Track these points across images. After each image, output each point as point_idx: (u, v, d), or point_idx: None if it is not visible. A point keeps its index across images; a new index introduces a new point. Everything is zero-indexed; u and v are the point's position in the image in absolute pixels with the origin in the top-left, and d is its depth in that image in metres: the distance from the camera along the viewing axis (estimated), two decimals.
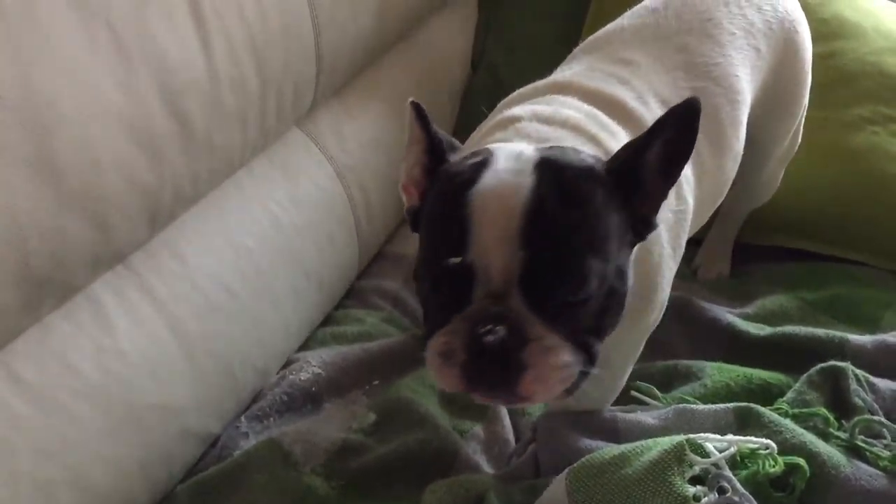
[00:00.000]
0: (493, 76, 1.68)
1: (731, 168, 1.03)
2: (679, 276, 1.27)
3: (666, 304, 0.93)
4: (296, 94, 1.13)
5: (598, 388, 0.95)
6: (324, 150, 1.27)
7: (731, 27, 0.99)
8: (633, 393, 1.03)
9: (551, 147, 0.76)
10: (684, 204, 0.89)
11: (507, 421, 1.07)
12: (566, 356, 0.70)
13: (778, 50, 1.06)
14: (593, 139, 0.82)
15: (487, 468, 0.99)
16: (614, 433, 0.95)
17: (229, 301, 1.03)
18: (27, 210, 0.75)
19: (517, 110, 0.87)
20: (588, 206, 0.70)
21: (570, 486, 0.85)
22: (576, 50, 1.03)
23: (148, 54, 0.85)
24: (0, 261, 0.73)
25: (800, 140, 1.23)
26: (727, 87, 0.96)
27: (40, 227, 0.77)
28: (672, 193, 0.81)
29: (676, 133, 0.72)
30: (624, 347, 0.93)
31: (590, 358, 0.73)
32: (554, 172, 0.71)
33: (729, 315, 1.16)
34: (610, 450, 0.86)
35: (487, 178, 0.71)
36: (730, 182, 1.06)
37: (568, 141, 0.80)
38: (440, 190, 0.76)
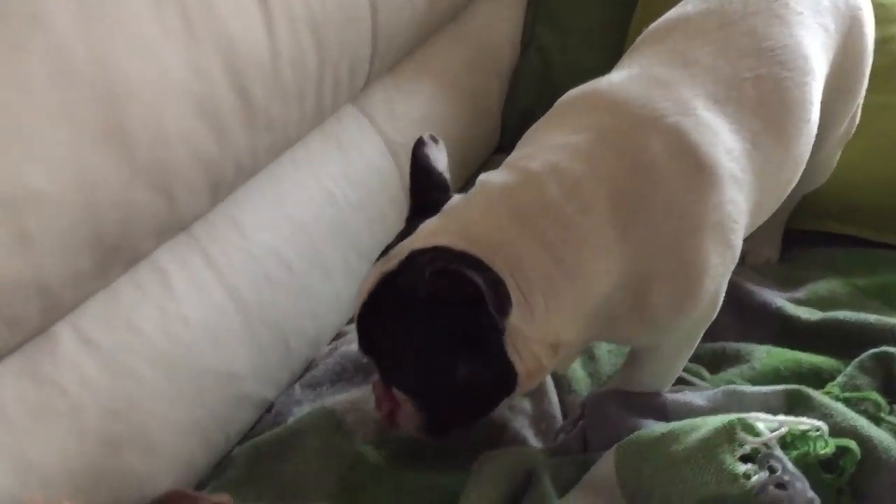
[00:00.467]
0: (543, 58, 1.68)
1: (803, 153, 1.01)
2: None
3: (720, 300, 0.92)
4: (351, 71, 1.15)
5: (650, 377, 0.98)
6: (377, 126, 1.29)
7: (797, 6, 0.98)
8: (681, 374, 1.04)
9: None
10: (731, 207, 0.86)
11: (554, 398, 1.08)
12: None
13: (844, 28, 1.04)
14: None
15: (535, 443, 1.01)
16: (662, 413, 0.96)
17: (284, 273, 1.06)
18: (100, 181, 0.78)
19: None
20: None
21: (619, 461, 0.86)
22: (638, 40, 1.02)
23: (214, 33, 0.88)
24: (76, 229, 0.77)
25: (857, 123, 1.22)
26: (794, 70, 0.94)
27: (112, 197, 0.80)
28: (715, 193, 0.83)
29: None
30: (674, 339, 0.94)
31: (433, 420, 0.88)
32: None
33: (779, 299, 1.16)
34: (659, 427, 0.87)
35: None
36: (802, 166, 1.04)
37: None
38: None
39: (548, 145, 0.87)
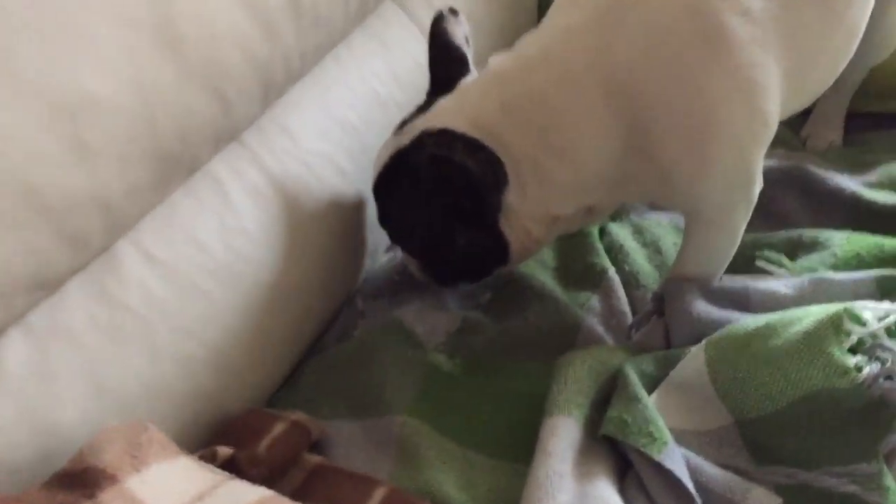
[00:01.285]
0: None
1: (857, 20, 0.95)
2: (788, 146, 1.23)
3: (756, 174, 0.89)
4: None
5: (700, 256, 0.95)
6: (417, 22, 1.21)
7: None
8: (760, 263, 1.00)
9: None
10: (754, 70, 0.82)
11: (622, 293, 1.04)
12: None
13: None
14: None
15: (608, 340, 0.98)
16: (745, 303, 0.93)
17: (339, 178, 1.01)
18: (153, 83, 0.72)
19: None
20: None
21: (710, 357, 0.83)
22: None
23: None
24: (134, 137, 0.71)
25: None
26: None
27: (166, 101, 0.74)
28: (727, 56, 0.81)
29: None
30: (713, 211, 0.92)
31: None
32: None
33: (852, 183, 1.11)
34: (752, 320, 0.83)
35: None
36: (857, 35, 0.98)
37: None
38: None
39: (549, 27, 0.89)
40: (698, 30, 0.81)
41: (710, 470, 0.79)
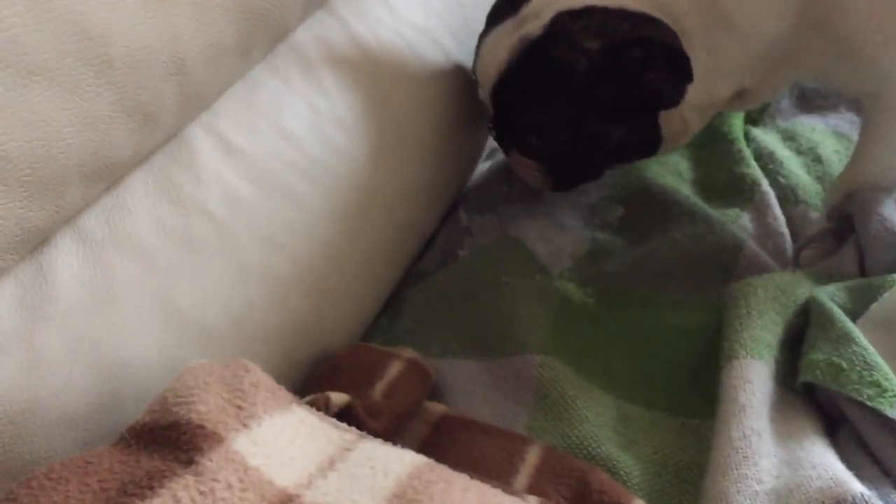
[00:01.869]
0: None
1: None
2: None
3: None
4: None
5: (884, 154, 0.79)
6: None
7: None
8: None
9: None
10: None
11: (778, 210, 0.86)
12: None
13: None
14: None
15: (775, 268, 0.80)
16: None
17: (442, 58, 0.82)
18: None
19: None
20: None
21: None
22: None
23: None
24: None
25: None
26: None
27: None
28: None
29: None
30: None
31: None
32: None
33: None
34: None
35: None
36: None
37: None
38: None
39: None
40: None
41: None
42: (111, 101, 0.48)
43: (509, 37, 0.73)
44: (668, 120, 0.75)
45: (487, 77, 0.75)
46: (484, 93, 0.77)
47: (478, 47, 0.77)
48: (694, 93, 0.73)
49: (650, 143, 0.77)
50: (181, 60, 0.52)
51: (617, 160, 0.82)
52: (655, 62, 0.69)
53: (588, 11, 0.69)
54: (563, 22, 0.70)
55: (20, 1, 0.42)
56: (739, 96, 0.78)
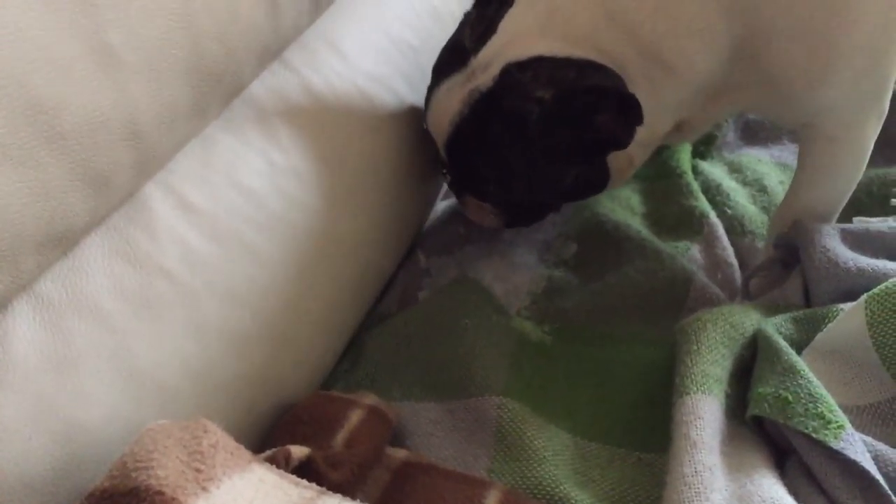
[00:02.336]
0: None
1: None
2: None
3: (888, 82, 0.75)
4: None
5: (822, 183, 0.82)
6: None
7: None
8: (895, 201, 0.85)
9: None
10: None
11: (726, 241, 0.89)
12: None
13: None
14: None
15: (724, 299, 0.82)
16: (893, 250, 0.78)
17: (397, 105, 0.83)
18: None
19: None
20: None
21: (873, 316, 0.68)
22: None
23: None
24: (169, 43, 0.53)
25: None
26: None
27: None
28: None
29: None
30: (834, 126, 0.77)
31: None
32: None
33: None
34: None
35: None
36: None
37: None
38: None
39: None
40: None
41: (890, 454, 0.64)
42: (65, 171, 0.48)
43: (460, 89, 0.75)
44: (615, 158, 0.78)
45: (440, 129, 0.77)
46: (438, 143, 0.79)
47: (427, 100, 0.78)
48: (641, 132, 0.75)
49: (599, 182, 0.79)
50: (135, 126, 0.53)
51: (568, 199, 0.84)
52: (607, 108, 0.71)
53: (536, 62, 0.71)
54: (513, 73, 0.72)
55: None
56: (679, 128, 0.81)
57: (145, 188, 0.60)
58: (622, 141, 0.74)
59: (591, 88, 0.70)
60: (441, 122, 0.76)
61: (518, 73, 0.71)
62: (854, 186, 0.81)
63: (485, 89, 0.73)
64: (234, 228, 0.65)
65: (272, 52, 0.67)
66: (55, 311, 0.53)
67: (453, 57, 0.76)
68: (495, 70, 0.72)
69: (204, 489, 0.45)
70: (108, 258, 0.56)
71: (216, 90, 0.60)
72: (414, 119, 0.85)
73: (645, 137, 0.77)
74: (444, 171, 0.83)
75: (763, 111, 0.89)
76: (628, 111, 0.70)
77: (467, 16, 0.79)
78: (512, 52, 0.72)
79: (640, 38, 0.71)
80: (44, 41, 0.46)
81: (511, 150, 0.74)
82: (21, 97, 0.45)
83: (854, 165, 0.80)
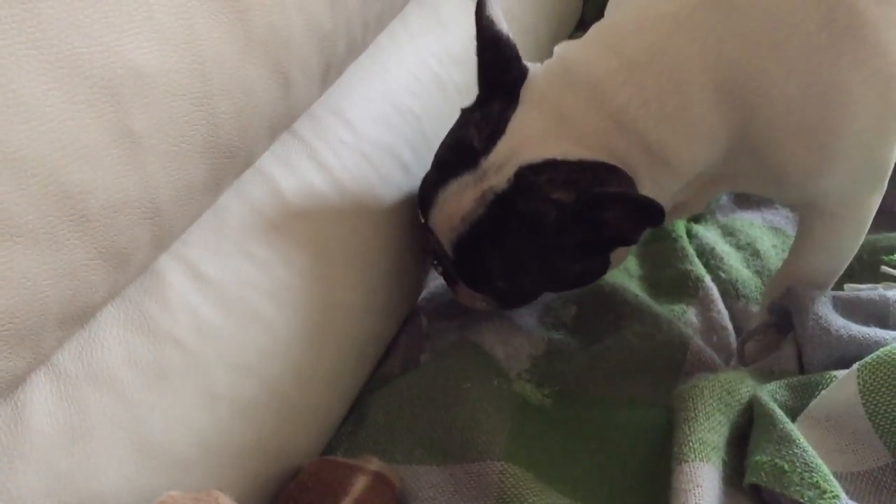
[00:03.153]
0: None
1: None
2: None
3: (886, 168, 0.77)
4: None
5: (819, 255, 0.84)
6: None
7: None
8: (886, 269, 0.87)
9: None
10: (890, 59, 0.70)
11: (721, 305, 0.91)
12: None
13: None
14: None
15: (720, 363, 0.84)
16: (884, 316, 0.80)
17: (401, 173, 0.86)
18: (214, 55, 0.57)
19: None
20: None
21: (865, 384, 0.70)
22: None
23: None
24: (189, 125, 0.56)
25: None
26: None
27: (225, 78, 0.58)
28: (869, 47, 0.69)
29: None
30: (833, 205, 0.80)
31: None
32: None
33: None
34: None
35: None
36: None
37: None
38: None
39: (640, 16, 0.73)
40: (825, 14, 0.69)
41: None
42: (89, 251, 0.50)
43: (472, 189, 0.74)
44: (618, 249, 0.79)
45: (449, 226, 0.76)
46: (442, 240, 0.78)
47: (429, 196, 0.78)
48: None
49: (600, 271, 0.81)
50: (155, 204, 0.55)
51: (568, 288, 0.86)
52: (623, 210, 0.72)
53: (550, 165, 0.72)
54: (527, 175, 0.72)
55: (6, 167, 0.45)
56: (674, 209, 0.82)
57: (160, 259, 0.62)
58: (632, 240, 0.76)
59: (609, 193, 0.72)
60: (450, 220, 0.76)
61: (532, 176, 0.72)
62: (851, 258, 0.83)
63: (500, 190, 0.73)
64: (243, 297, 0.66)
65: (283, 126, 0.70)
66: (71, 383, 0.55)
67: (460, 156, 0.76)
68: (509, 171, 0.73)
69: None
70: (122, 329, 0.58)
71: (230, 165, 0.62)
72: (415, 184, 0.87)
73: None
74: (436, 261, 0.84)
75: (762, 192, 0.92)
76: (644, 213, 0.71)
77: (467, 113, 0.79)
78: (525, 154, 0.73)
79: (648, 142, 0.73)
80: (72, 129, 0.48)
81: (524, 249, 0.75)
82: (50, 184, 0.47)
83: (853, 239, 0.83)
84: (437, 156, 0.79)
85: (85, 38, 0.48)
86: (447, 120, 0.87)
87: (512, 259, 0.76)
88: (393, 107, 0.87)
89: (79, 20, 0.48)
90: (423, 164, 0.88)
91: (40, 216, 0.46)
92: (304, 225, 0.73)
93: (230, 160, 0.62)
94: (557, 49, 0.78)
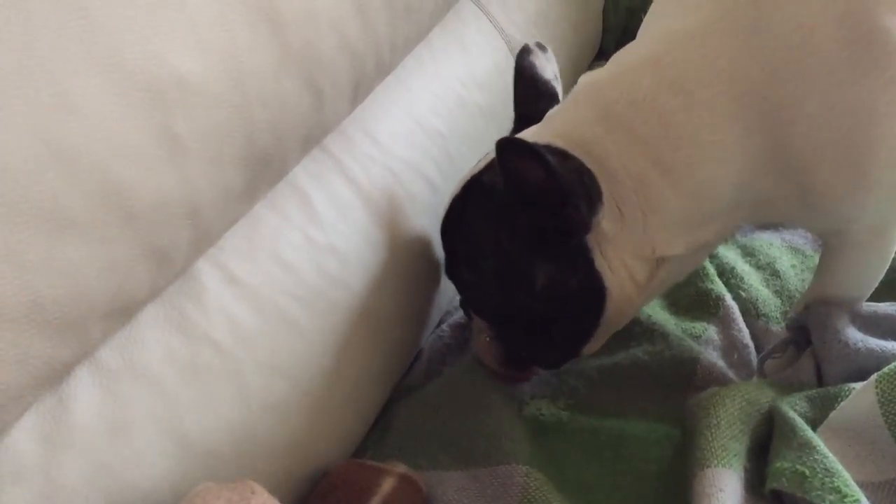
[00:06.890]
0: None
1: None
2: None
3: None
4: None
5: (847, 279, 0.83)
6: (493, 21, 1.10)
7: None
8: None
9: None
10: None
11: (742, 323, 0.92)
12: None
13: None
14: None
15: (731, 378, 0.85)
16: None
17: (427, 189, 0.88)
18: (252, 66, 0.60)
19: None
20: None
21: (884, 395, 0.71)
22: None
23: None
24: (228, 130, 0.59)
25: None
26: None
27: (263, 89, 0.62)
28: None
29: None
30: (864, 231, 0.78)
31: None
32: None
33: None
34: None
35: None
36: None
37: None
38: None
39: (654, 35, 0.75)
40: (851, 34, 0.68)
41: None
42: (132, 247, 0.53)
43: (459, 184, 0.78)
44: (611, 271, 0.73)
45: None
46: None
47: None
48: (630, 239, 0.72)
49: (592, 298, 0.74)
50: (195, 207, 0.57)
51: (564, 323, 0.77)
52: (542, 180, 0.67)
53: (517, 141, 0.70)
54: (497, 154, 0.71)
55: (58, 162, 0.48)
56: (699, 249, 0.78)
57: (197, 264, 0.64)
58: (579, 226, 0.71)
59: (507, 138, 0.68)
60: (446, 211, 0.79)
61: (500, 153, 0.70)
62: (876, 284, 0.83)
63: (475, 173, 0.77)
64: (275, 301, 0.69)
65: (315, 139, 0.73)
66: (112, 377, 0.57)
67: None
68: (490, 158, 0.76)
69: None
70: (161, 328, 0.60)
71: (265, 174, 0.65)
72: (440, 200, 0.89)
73: (642, 251, 0.73)
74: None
75: (789, 219, 0.90)
76: (584, 195, 0.69)
77: None
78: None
79: (632, 135, 0.71)
80: (120, 130, 0.51)
81: (478, 230, 0.75)
82: (100, 180, 0.49)
83: (880, 266, 0.82)
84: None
85: (134, 45, 0.52)
86: (471, 140, 0.90)
87: (470, 238, 0.76)
88: (419, 126, 0.90)
89: (129, 29, 0.52)
90: (448, 182, 0.90)
91: (89, 210, 0.49)
92: (334, 236, 0.76)
93: (265, 168, 0.65)
94: (581, 79, 0.78)
